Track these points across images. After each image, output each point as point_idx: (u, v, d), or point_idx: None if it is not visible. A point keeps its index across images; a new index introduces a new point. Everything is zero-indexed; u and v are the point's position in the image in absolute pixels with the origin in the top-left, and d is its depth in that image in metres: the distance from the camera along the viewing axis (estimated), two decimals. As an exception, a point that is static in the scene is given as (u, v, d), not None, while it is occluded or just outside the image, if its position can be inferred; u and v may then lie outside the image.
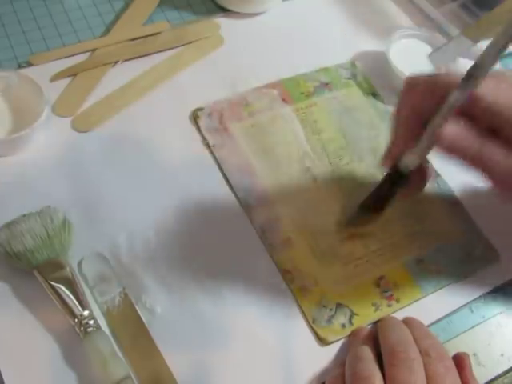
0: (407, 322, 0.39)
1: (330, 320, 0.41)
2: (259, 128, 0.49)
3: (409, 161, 0.37)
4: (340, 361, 0.39)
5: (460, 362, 0.37)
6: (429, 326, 0.42)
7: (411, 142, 0.37)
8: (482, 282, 0.45)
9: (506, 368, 0.42)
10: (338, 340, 0.40)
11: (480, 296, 0.44)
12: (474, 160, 0.36)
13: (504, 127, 0.35)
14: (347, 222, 0.45)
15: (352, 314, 0.41)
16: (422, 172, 0.40)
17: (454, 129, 0.35)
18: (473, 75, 0.34)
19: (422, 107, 0.37)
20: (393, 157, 0.39)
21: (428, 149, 0.37)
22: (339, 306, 0.41)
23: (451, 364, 0.36)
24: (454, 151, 0.36)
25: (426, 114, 0.36)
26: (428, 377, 0.34)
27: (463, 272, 0.44)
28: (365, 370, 0.35)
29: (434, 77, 0.37)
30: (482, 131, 0.36)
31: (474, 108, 0.35)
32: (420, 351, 0.36)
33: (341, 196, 0.47)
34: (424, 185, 0.41)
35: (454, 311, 0.43)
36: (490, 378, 0.41)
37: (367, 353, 0.36)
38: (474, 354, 0.42)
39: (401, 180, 0.39)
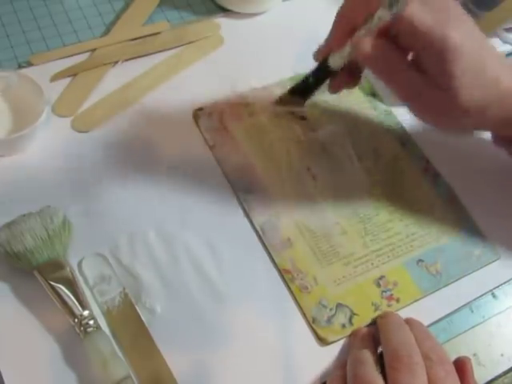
0: (407, 322, 0.39)
1: (329, 320, 0.41)
2: (259, 128, 0.49)
3: (334, 61, 0.42)
4: (340, 362, 0.39)
5: (461, 366, 0.37)
6: (429, 326, 0.42)
7: (342, 43, 0.40)
8: (481, 281, 0.45)
9: (505, 368, 0.42)
10: (338, 340, 0.40)
11: (480, 296, 0.44)
12: (387, 79, 0.40)
13: (421, 54, 0.38)
14: (277, 101, 0.49)
15: (352, 314, 0.41)
16: (353, 72, 0.44)
17: (373, 43, 0.38)
18: None
19: (355, 15, 0.40)
20: (323, 53, 0.43)
21: (350, 54, 0.40)
22: (339, 305, 0.41)
23: (451, 368, 0.36)
24: (370, 64, 0.39)
25: (359, 22, 0.39)
26: (429, 380, 0.34)
27: (463, 272, 0.45)
28: (367, 373, 0.35)
29: None
30: (404, 55, 0.39)
31: (398, 27, 0.38)
32: (420, 354, 0.36)
33: (341, 196, 0.47)
34: (355, 83, 0.45)
35: (454, 311, 0.43)
36: (489, 378, 0.41)
37: (368, 355, 0.36)
38: (474, 354, 0.42)
39: (326, 74, 0.44)
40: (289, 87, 0.48)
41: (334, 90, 0.45)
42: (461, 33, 0.37)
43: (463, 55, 0.37)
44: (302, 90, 0.46)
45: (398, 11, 0.37)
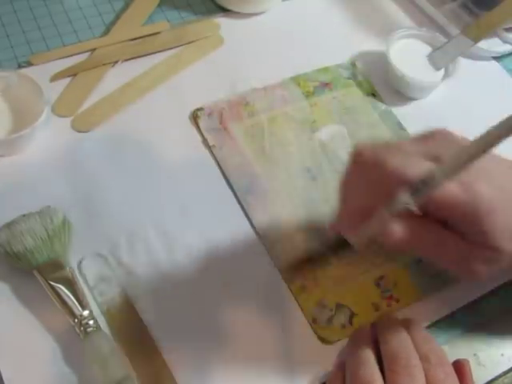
0: (406, 323, 0.39)
1: (329, 320, 0.41)
2: (259, 128, 0.49)
3: (354, 241, 0.36)
4: (340, 361, 0.39)
5: (460, 368, 0.37)
6: (429, 326, 0.42)
7: (356, 221, 0.35)
8: (481, 282, 0.44)
9: (505, 368, 0.41)
10: (338, 340, 0.40)
11: (480, 296, 0.44)
12: (425, 253, 0.35)
13: (453, 221, 0.33)
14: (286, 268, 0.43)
15: (352, 314, 0.41)
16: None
17: (402, 227, 0.33)
18: (429, 184, 0.31)
19: (368, 192, 0.34)
20: (337, 230, 0.37)
21: (373, 237, 0.35)
22: (339, 306, 0.41)
23: (451, 370, 0.36)
24: (407, 247, 0.34)
25: (372, 199, 0.34)
26: (428, 382, 0.34)
27: (463, 272, 0.44)
28: (367, 374, 0.35)
29: (384, 163, 0.33)
30: (437, 224, 0.34)
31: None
32: (419, 356, 0.35)
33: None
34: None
35: (454, 311, 0.43)
36: (489, 378, 0.41)
37: (369, 355, 0.36)
38: (474, 354, 0.42)
39: (340, 247, 0.41)
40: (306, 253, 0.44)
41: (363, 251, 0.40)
42: (490, 185, 0.32)
43: (496, 210, 0.32)
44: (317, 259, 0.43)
45: (422, 197, 0.31)
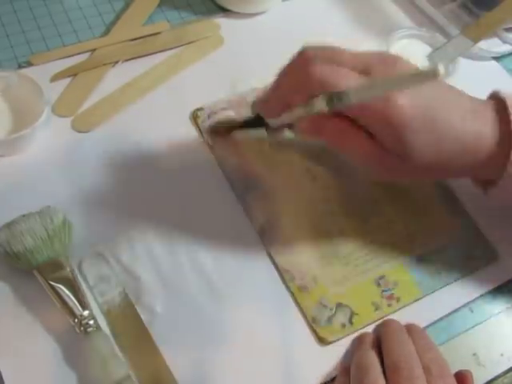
0: (409, 329, 0.39)
1: (329, 320, 0.41)
2: (259, 128, 0.49)
3: (271, 122, 0.41)
4: (344, 367, 0.38)
5: (462, 379, 0.37)
6: (429, 326, 0.42)
7: (277, 108, 0.39)
8: (481, 281, 0.45)
9: (505, 368, 0.41)
10: (338, 340, 0.40)
11: (480, 296, 0.44)
12: (333, 143, 0.39)
13: (367, 123, 0.36)
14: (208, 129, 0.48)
15: (352, 314, 0.41)
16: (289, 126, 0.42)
17: (312, 120, 0.37)
18: (342, 100, 0.33)
19: (292, 94, 0.38)
20: (258, 110, 0.42)
21: (286, 125, 0.41)
22: (339, 305, 0.41)
23: (452, 380, 0.36)
24: (312, 137, 0.39)
25: (295, 100, 0.37)
26: None
27: (463, 271, 0.44)
28: (372, 381, 0.34)
29: (315, 67, 0.36)
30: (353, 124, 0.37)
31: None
32: (421, 365, 0.35)
33: (340, 195, 0.47)
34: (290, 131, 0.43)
35: (454, 311, 0.43)
36: (489, 378, 0.41)
37: (373, 362, 0.36)
38: (474, 354, 0.42)
39: (256, 125, 0.43)
40: (223, 121, 0.48)
41: (272, 134, 0.44)
42: (406, 96, 0.35)
43: (409, 117, 0.35)
44: (235, 127, 0.45)
45: (338, 107, 0.34)
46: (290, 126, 0.42)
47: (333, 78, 0.35)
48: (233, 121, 0.47)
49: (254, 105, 0.42)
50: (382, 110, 0.35)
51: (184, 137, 0.48)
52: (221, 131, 0.46)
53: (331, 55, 0.38)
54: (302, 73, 0.37)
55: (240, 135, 0.45)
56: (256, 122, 0.43)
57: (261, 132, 0.43)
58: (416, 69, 0.37)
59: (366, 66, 0.37)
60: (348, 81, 0.35)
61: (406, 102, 0.35)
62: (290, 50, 0.56)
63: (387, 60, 0.37)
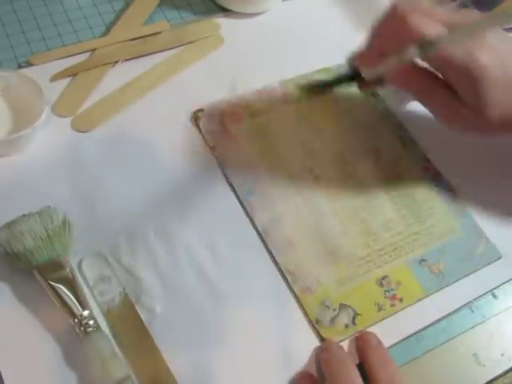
0: (365, 345, 0.40)
1: (333, 320, 0.41)
2: (260, 129, 0.49)
3: (366, 73, 0.45)
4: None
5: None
6: (429, 326, 0.42)
7: (373, 59, 0.43)
8: (482, 281, 0.45)
9: (506, 368, 0.42)
10: (342, 340, 0.40)
11: (480, 296, 0.44)
12: (416, 95, 0.43)
13: (450, 78, 0.40)
14: (300, 86, 0.52)
15: (355, 315, 0.41)
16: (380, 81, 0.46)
17: (402, 72, 0.41)
18: (434, 44, 0.38)
19: (387, 42, 0.42)
20: (356, 62, 0.46)
21: (382, 74, 0.44)
22: (342, 306, 0.41)
23: None
24: (404, 88, 0.43)
25: (390, 48, 0.41)
26: None
27: (463, 271, 0.45)
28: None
29: (408, 18, 0.40)
30: (437, 78, 0.41)
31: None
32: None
33: (342, 196, 0.47)
34: (384, 85, 0.47)
35: (454, 311, 0.43)
36: (489, 378, 0.41)
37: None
38: (474, 354, 0.42)
39: (356, 77, 0.47)
40: (316, 80, 0.52)
41: (364, 89, 0.49)
42: (487, 53, 0.38)
43: (489, 75, 0.38)
44: (328, 84, 0.51)
45: (429, 53, 0.39)
46: (380, 82, 0.46)
47: (425, 27, 0.39)
48: (324, 80, 0.52)
49: (351, 59, 0.46)
50: (464, 64, 0.38)
51: (184, 137, 0.48)
52: (314, 90, 0.51)
53: (423, 9, 0.41)
54: (398, 23, 0.40)
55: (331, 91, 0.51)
56: (348, 78, 0.48)
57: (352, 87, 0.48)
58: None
59: (449, 17, 0.40)
60: (438, 31, 0.39)
61: (487, 58, 0.38)
62: (290, 49, 0.56)
63: (471, 12, 0.42)
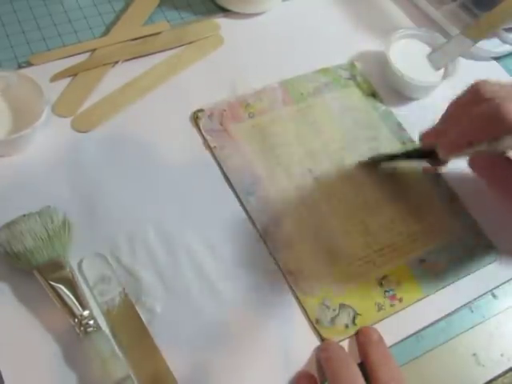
0: (366, 341, 0.40)
1: (333, 320, 0.41)
2: (260, 129, 0.49)
3: (444, 155, 0.42)
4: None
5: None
6: (428, 326, 0.42)
7: (458, 146, 0.40)
8: (482, 281, 0.45)
9: (505, 368, 0.42)
10: (342, 340, 0.40)
11: (480, 296, 0.44)
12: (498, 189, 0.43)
13: None
14: (362, 161, 0.49)
15: (355, 314, 0.41)
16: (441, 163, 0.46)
17: (487, 163, 0.41)
18: None
19: (481, 124, 0.39)
20: (432, 140, 0.43)
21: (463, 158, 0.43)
22: (342, 306, 0.41)
23: None
24: (481, 177, 0.43)
25: (475, 132, 0.39)
26: None
27: (463, 271, 0.45)
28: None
29: (501, 105, 0.37)
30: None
31: None
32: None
33: (342, 196, 0.47)
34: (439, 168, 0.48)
35: (454, 311, 0.43)
36: (489, 378, 0.41)
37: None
38: (474, 354, 0.42)
39: (424, 157, 0.46)
40: (382, 154, 0.49)
41: (432, 169, 0.48)
42: None
43: None
44: (393, 158, 0.49)
45: None
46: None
47: None
48: (392, 153, 0.49)
49: (427, 136, 0.44)
50: None
51: (184, 137, 0.48)
52: (375, 163, 0.49)
53: (508, 90, 0.39)
54: (491, 111, 0.37)
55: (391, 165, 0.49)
56: (419, 154, 0.46)
57: (419, 163, 0.47)
58: None
59: None
60: None
61: None
62: (289, 49, 0.56)
63: None
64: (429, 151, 0.44)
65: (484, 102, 0.38)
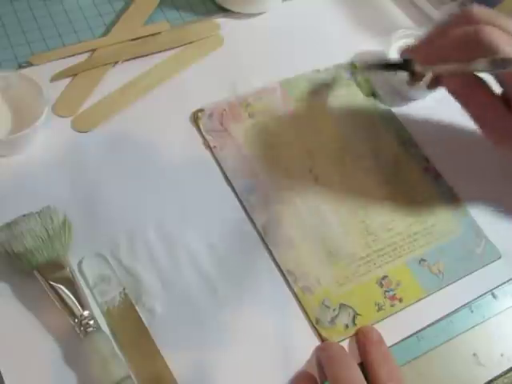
0: (366, 341, 0.40)
1: (333, 320, 0.41)
2: (260, 129, 0.49)
3: (419, 68, 0.45)
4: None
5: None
6: (428, 325, 0.42)
7: (432, 58, 0.42)
8: (482, 281, 0.45)
9: (505, 368, 0.42)
10: (342, 340, 0.40)
11: (480, 296, 0.44)
12: (469, 110, 0.42)
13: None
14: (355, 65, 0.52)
15: (355, 315, 0.41)
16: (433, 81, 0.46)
17: (463, 82, 0.41)
18: (506, 66, 0.37)
19: (453, 51, 0.40)
20: (409, 55, 0.45)
21: (437, 75, 0.44)
22: (342, 306, 0.41)
23: None
24: (456, 98, 0.42)
25: (453, 56, 0.40)
26: None
27: (465, 271, 0.45)
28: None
29: (484, 30, 0.38)
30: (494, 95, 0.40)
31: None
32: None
33: (342, 196, 0.47)
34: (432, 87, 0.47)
35: (454, 311, 0.43)
36: (489, 378, 0.41)
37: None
38: (474, 354, 0.42)
39: (402, 67, 0.48)
40: (369, 62, 0.53)
41: (412, 82, 0.49)
42: None
43: None
44: (377, 68, 0.52)
45: (500, 70, 0.38)
46: (434, 83, 0.45)
47: (503, 45, 0.37)
48: (382, 61, 0.52)
49: (407, 50, 0.46)
50: None
51: (184, 137, 0.48)
52: (370, 69, 0.53)
53: (502, 24, 0.39)
54: (470, 32, 0.39)
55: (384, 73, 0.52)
56: (400, 66, 0.48)
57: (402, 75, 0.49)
58: None
59: None
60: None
61: None
62: (289, 49, 0.56)
63: None
64: (409, 64, 0.46)
65: (467, 24, 0.39)
